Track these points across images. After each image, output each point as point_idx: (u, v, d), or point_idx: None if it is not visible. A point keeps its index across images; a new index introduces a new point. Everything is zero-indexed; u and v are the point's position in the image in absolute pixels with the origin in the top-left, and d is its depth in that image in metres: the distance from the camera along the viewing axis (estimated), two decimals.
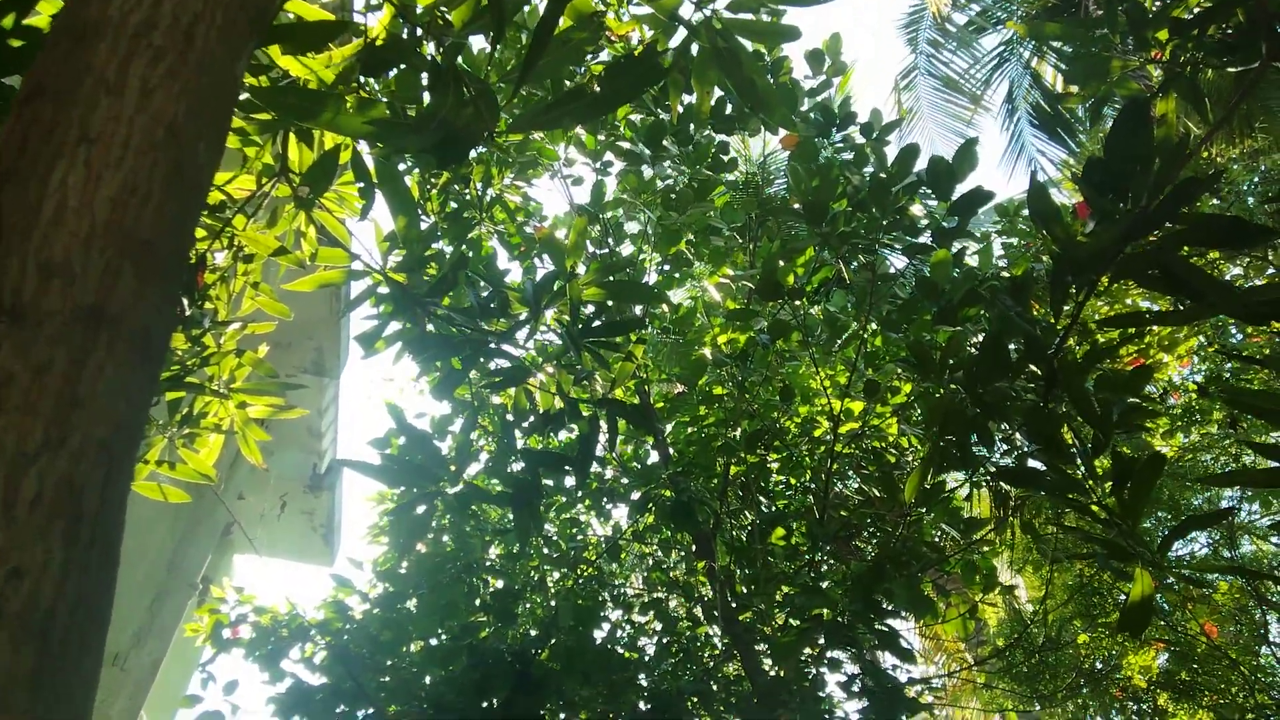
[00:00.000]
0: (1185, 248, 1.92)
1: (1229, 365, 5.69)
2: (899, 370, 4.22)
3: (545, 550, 5.50)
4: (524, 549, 5.28)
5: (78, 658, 0.78)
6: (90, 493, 0.82)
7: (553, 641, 4.10)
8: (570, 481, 5.66)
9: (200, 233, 2.57)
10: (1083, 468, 2.25)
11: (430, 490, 2.25)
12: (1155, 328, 5.60)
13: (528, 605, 5.31)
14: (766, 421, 4.80)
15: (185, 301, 2.42)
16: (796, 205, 3.33)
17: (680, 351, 4.91)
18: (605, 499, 5.66)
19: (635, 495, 4.74)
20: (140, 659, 5.77)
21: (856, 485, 5.28)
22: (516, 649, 4.05)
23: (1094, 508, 2.19)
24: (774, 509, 5.19)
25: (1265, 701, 5.39)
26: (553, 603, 4.74)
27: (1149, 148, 1.86)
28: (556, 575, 5.47)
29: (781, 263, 3.70)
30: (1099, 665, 6.38)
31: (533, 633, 4.32)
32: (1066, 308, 2.13)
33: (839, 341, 4.51)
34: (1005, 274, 3.92)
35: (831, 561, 4.53)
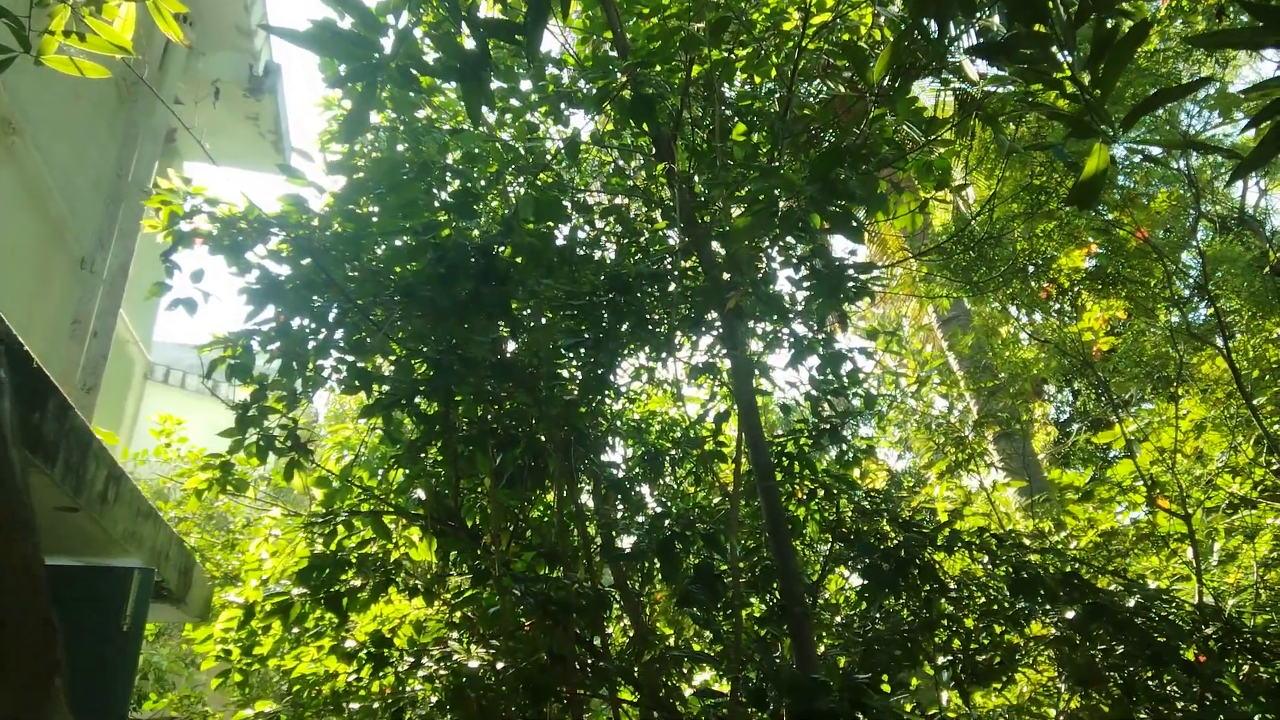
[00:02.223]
0: None
1: None
2: None
3: (504, 153, 5.41)
4: (484, 155, 5.19)
5: None
6: None
7: (514, 238, 4.19)
8: (525, 86, 5.39)
9: None
10: (1061, 40, 2.14)
11: (367, 62, 2.10)
12: None
13: (489, 205, 5.35)
14: (732, 12, 4.47)
15: None
16: None
17: None
18: (563, 104, 5.45)
19: (593, 89, 4.54)
20: (108, 262, 5.86)
21: (821, 86, 5.10)
22: (479, 245, 4.15)
23: (1066, 83, 2.13)
24: (737, 108, 5.06)
25: (1179, 293, 5.88)
26: (513, 201, 4.77)
27: None
28: (518, 178, 5.44)
29: None
30: (1032, 266, 6.80)
31: (494, 230, 4.40)
32: None
33: None
34: None
35: (791, 161, 4.52)
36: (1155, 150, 6.49)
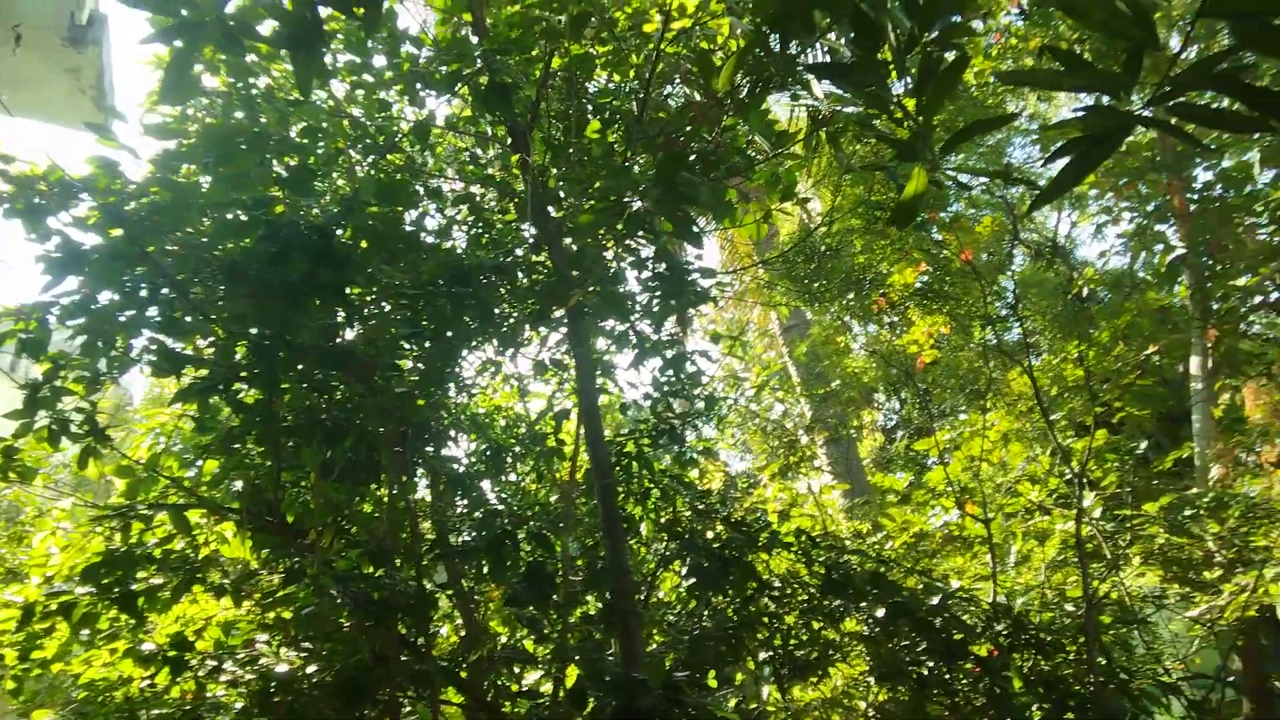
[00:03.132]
0: None
1: None
2: None
3: (352, 130, 5.16)
4: (329, 130, 4.92)
5: None
6: None
7: (356, 219, 4.00)
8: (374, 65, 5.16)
9: None
10: (894, 67, 2.24)
11: (186, 19, 1.93)
12: None
13: (333, 183, 5.10)
14: (595, 7, 4.45)
15: None
16: None
17: None
18: (419, 84, 5.25)
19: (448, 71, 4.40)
20: None
21: (680, 90, 5.18)
22: (317, 224, 3.93)
23: (893, 107, 2.23)
24: (595, 104, 5.04)
25: (994, 312, 6.35)
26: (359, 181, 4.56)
27: None
28: (366, 157, 5.21)
29: None
30: (868, 279, 7.18)
31: (335, 210, 4.18)
32: None
33: None
34: None
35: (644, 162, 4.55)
36: (970, 178, 6.99)
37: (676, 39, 4.70)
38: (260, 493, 4.24)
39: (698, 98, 4.41)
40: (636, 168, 3.95)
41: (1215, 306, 8.07)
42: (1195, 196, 8.13)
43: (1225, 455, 7.32)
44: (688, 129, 3.58)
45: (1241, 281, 9.04)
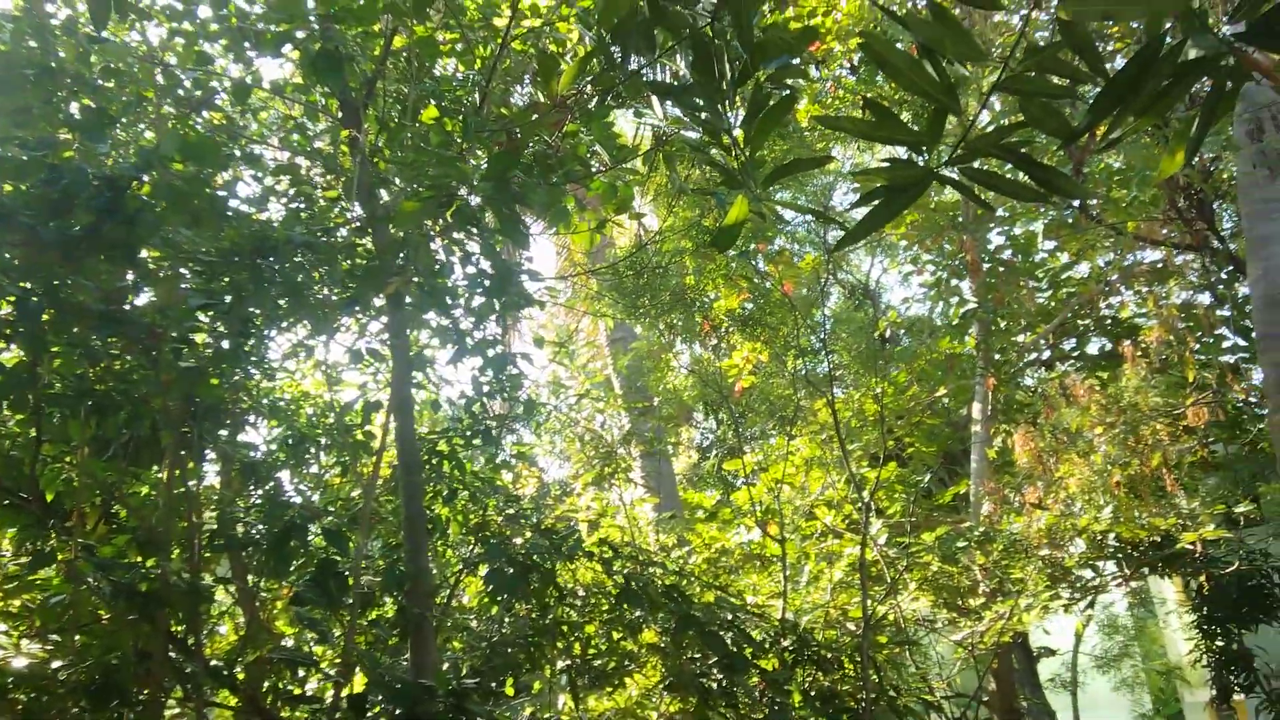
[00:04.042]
0: None
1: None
2: None
3: (166, 80, 4.74)
4: (137, 76, 4.50)
5: None
6: None
7: (156, 176, 3.66)
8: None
9: None
10: (727, 96, 2.31)
11: None
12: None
13: (136, 133, 4.65)
14: None
15: None
16: None
17: None
18: (247, 41, 4.91)
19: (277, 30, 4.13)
20: None
21: (527, 87, 5.13)
22: (108, 175, 3.56)
23: (724, 136, 2.30)
24: (436, 90, 4.89)
25: (806, 344, 6.70)
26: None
27: None
28: (177, 111, 4.80)
29: None
30: (695, 300, 7.39)
31: (132, 163, 3.80)
32: None
33: None
34: None
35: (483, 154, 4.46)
36: (789, 212, 7.37)
37: (526, 37, 4.65)
38: (16, 465, 3.77)
39: (542, 99, 4.39)
40: (472, 160, 3.86)
41: (997, 358, 8.91)
42: (987, 257, 8.96)
43: (995, 494, 8.08)
44: (528, 128, 3.54)
45: (1021, 338, 10.06)
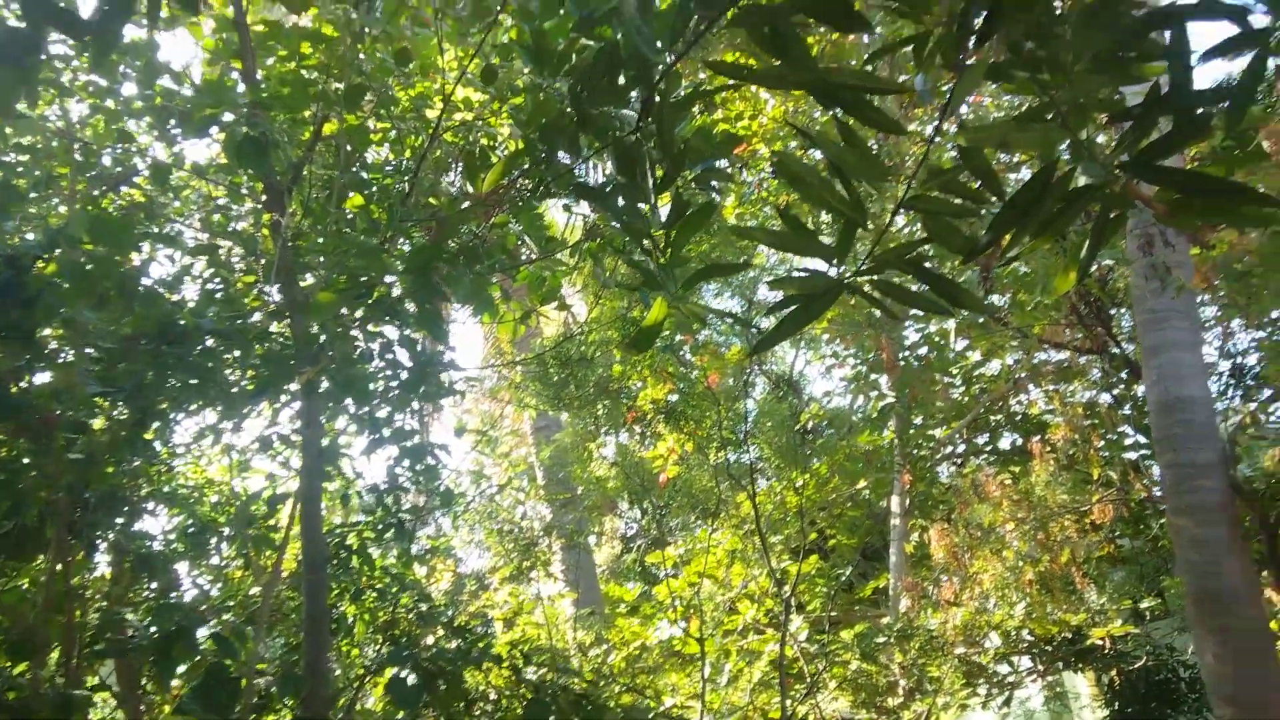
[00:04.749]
0: (797, 15, 1.97)
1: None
2: (524, 68, 4.04)
3: (85, 157, 4.64)
4: (49, 151, 4.39)
5: None
6: None
7: (61, 255, 3.52)
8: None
9: None
10: (650, 199, 2.36)
11: None
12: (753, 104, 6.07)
13: (49, 210, 4.50)
14: (377, 84, 4.37)
15: None
16: None
17: None
18: (172, 120, 4.85)
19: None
20: None
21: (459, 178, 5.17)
22: (8, 253, 3.42)
23: (646, 240, 2.34)
24: (364, 178, 4.89)
25: (727, 435, 6.75)
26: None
27: None
28: (93, 189, 4.68)
29: None
30: (621, 390, 7.40)
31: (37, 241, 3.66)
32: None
33: (478, 25, 4.16)
34: None
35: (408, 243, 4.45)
36: (710, 315, 7.50)
37: (458, 130, 4.71)
38: None
39: (470, 190, 4.42)
40: (398, 248, 3.84)
41: (912, 453, 9.12)
42: (903, 354, 9.27)
43: (913, 589, 8.15)
44: (455, 218, 3.55)
45: (936, 433, 10.33)
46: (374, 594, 4.41)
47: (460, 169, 5.51)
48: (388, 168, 4.99)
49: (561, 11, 3.45)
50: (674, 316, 2.48)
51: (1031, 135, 2.00)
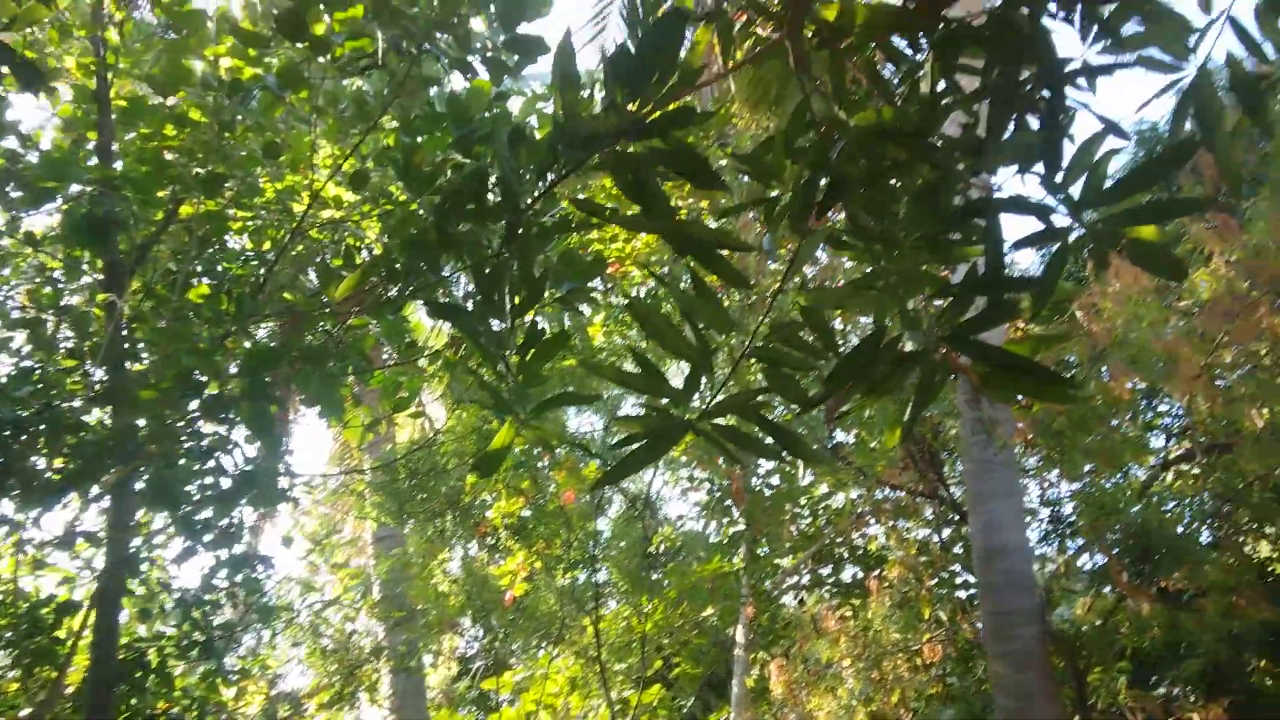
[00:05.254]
0: (660, 166, 2.08)
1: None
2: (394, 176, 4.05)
3: None
4: None
5: None
6: None
7: None
8: None
9: None
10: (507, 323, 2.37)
11: None
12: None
13: None
14: (243, 173, 4.26)
15: None
16: None
17: (170, 50, 4.06)
18: (11, 184, 4.55)
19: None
20: None
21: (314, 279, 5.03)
22: None
23: (500, 363, 2.33)
24: (220, 266, 4.69)
25: (576, 556, 6.63)
26: None
27: (672, 63, 1.95)
28: None
29: (322, 5, 3.23)
30: (473, 502, 7.19)
31: None
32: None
33: (358, 128, 4.17)
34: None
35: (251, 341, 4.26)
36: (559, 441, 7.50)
37: (325, 227, 4.63)
38: None
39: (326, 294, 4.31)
40: (240, 345, 3.67)
41: (756, 584, 9.22)
42: (754, 483, 9.49)
43: None
44: (308, 318, 3.44)
45: (784, 563, 10.51)
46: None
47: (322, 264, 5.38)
48: (245, 258, 4.81)
49: (441, 129, 3.51)
50: (524, 439, 2.45)
51: (866, 301, 2.15)
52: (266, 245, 4.75)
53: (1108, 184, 1.92)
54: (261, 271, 4.36)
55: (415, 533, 7.87)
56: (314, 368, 3.61)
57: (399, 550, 7.72)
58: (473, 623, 13.26)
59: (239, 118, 3.93)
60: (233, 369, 3.48)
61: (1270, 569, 8.63)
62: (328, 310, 3.46)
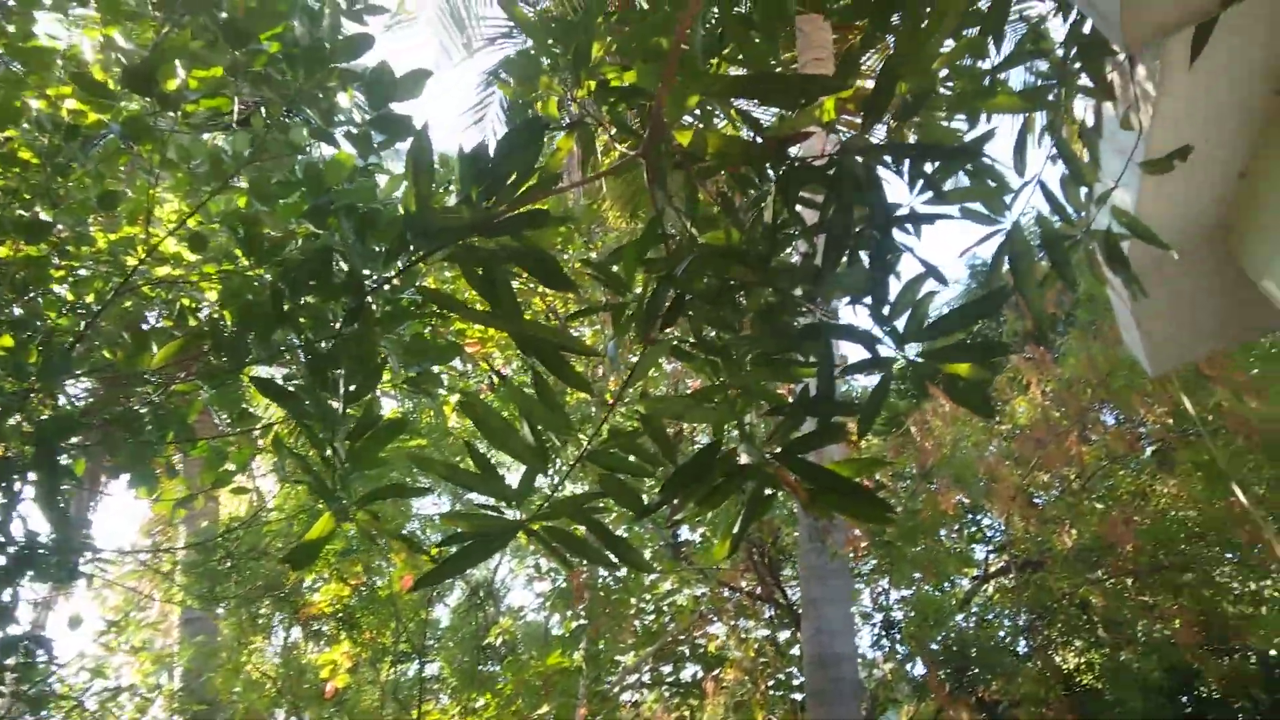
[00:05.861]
0: (510, 265, 2.08)
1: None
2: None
3: None
4: None
5: None
6: None
7: None
8: None
9: None
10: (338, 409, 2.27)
11: None
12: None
13: None
14: (72, 220, 3.97)
15: None
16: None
17: (4, 84, 3.78)
18: None
19: None
20: None
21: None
22: None
23: (328, 447, 2.22)
24: (36, 318, 4.30)
25: (407, 647, 6.27)
26: None
27: (529, 166, 1.99)
28: None
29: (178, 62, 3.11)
30: (296, 587, 6.72)
31: None
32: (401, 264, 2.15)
33: (210, 186, 3.98)
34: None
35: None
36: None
37: (159, 284, 4.35)
38: None
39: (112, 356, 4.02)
40: (40, 406, 3.34)
41: (594, 682, 9.02)
42: (601, 576, 9.39)
43: None
44: (122, 383, 3.18)
45: (625, 660, 10.35)
46: None
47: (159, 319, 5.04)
48: (65, 309, 4.43)
49: (297, 196, 3.41)
50: (354, 525, 2.32)
51: (704, 413, 2.20)
52: (90, 297, 4.40)
53: (929, 321, 2.06)
54: (81, 325, 4.02)
55: (229, 616, 7.22)
56: (126, 434, 3.34)
57: (204, 636, 7.02)
58: (286, 717, 12.22)
59: (75, 163, 3.68)
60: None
61: (1078, 680, 9.19)
62: (148, 373, 3.22)
